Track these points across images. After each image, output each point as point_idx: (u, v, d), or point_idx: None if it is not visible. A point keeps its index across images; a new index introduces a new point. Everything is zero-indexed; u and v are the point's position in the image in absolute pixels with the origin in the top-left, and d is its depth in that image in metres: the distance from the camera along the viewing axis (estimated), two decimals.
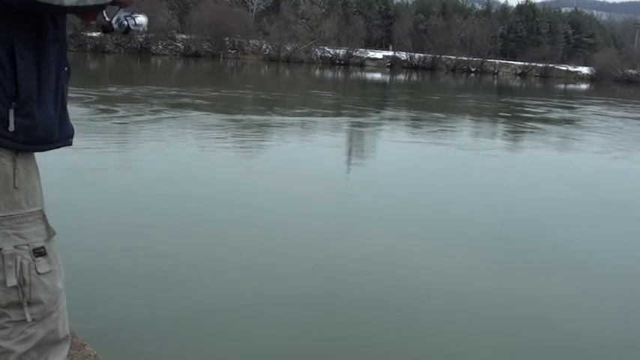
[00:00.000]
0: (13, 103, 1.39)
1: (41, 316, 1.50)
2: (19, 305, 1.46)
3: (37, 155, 1.53)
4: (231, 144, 12.01)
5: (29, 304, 1.47)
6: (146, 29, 1.63)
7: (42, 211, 1.51)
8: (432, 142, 14.63)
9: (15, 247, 1.44)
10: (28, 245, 1.46)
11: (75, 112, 12.89)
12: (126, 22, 1.57)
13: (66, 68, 1.57)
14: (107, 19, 1.57)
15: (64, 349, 1.60)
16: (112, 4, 1.50)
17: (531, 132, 18.29)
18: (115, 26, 1.57)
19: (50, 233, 1.53)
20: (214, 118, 15.20)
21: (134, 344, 4.01)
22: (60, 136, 1.54)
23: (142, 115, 14.72)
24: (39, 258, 1.48)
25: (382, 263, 5.81)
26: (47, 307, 1.51)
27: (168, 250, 5.65)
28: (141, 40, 45.99)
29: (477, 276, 5.70)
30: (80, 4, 1.38)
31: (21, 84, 1.40)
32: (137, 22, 1.58)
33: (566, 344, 4.52)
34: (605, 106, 31.10)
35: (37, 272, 1.48)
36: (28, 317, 1.47)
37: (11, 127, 1.39)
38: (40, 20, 1.44)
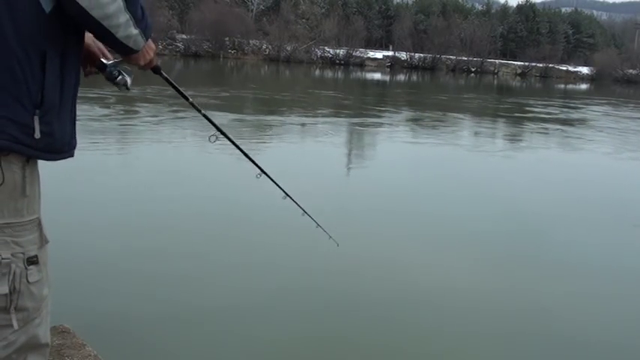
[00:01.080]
0: (37, 111, 1.41)
1: (24, 323, 1.51)
2: (4, 311, 1.47)
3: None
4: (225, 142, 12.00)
5: (15, 310, 1.48)
6: (127, 89, 1.80)
7: (39, 218, 1.53)
8: (440, 143, 14.60)
9: (12, 254, 1.45)
10: (23, 253, 1.47)
11: (98, 112, 12.88)
12: (117, 73, 1.72)
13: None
14: (104, 60, 1.72)
15: (44, 354, 1.61)
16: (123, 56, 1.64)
17: (541, 133, 18.18)
18: (108, 70, 1.71)
19: (43, 242, 1.54)
20: (223, 119, 15.09)
21: (134, 344, 4.01)
22: (69, 147, 1.56)
23: (159, 115, 14.69)
24: (31, 266, 1.49)
25: (384, 263, 5.81)
26: (31, 314, 1.52)
27: (169, 250, 5.65)
28: None
29: (479, 276, 5.70)
30: (129, 42, 1.50)
31: (46, 92, 1.42)
32: (125, 81, 1.75)
33: (567, 344, 4.52)
34: (610, 106, 31.09)
35: (27, 281, 1.49)
36: (15, 324, 1.48)
37: (37, 135, 1.41)
38: (66, 31, 1.46)
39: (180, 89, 1.97)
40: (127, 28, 1.46)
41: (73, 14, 1.39)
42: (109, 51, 1.69)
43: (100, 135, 11.14)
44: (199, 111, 2.07)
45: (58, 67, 1.44)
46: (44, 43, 1.40)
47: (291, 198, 2.67)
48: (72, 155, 1.58)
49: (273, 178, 2.50)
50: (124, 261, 5.30)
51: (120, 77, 1.73)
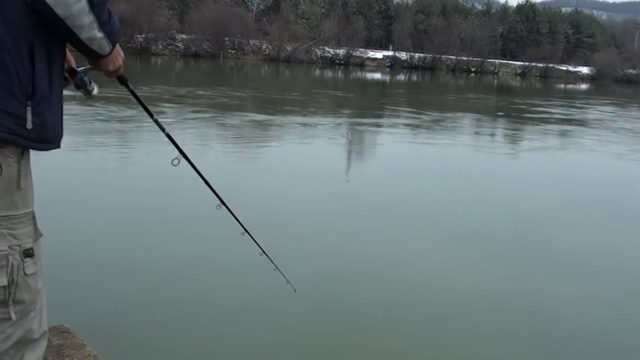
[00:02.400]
0: (29, 102, 1.42)
1: (21, 316, 1.52)
2: (3, 303, 1.48)
3: (33, 154, 1.55)
4: (234, 143, 12.01)
5: (13, 302, 1.49)
6: (91, 96, 1.81)
7: (33, 212, 1.54)
8: (451, 143, 14.54)
9: (9, 247, 1.46)
10: (19, 246, 1.49)
11: (123, 113, 12.89)
12: (86, 80, 1.73)
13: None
14: (75, 67, 1.72)
15: (40, 348, 1.62)
16: (93, 60, 1.63)
17: (550, 133, 18.10)
18: (78, 76, 1.72)
19: (38, 235, 1.55)
20: (238, 119, 15.07)
21: (134, 344, 4.00)
22: (58, 137, 1.58)
23: (174, 116, 14.66)
24: (27, 259, 1.50)
25: (384, 263, 5.81)
26: (27, 307, 1.53)
27: (169, 251, 5.64)
28: (141, 40, 45.99)
29: (480, 276, 5.69)
30: (93, 45, 1.50)
31: (37, 83, 1.43)
32: (91, 89, 1.76)
33: (567, 344, 4.52)
34: (615, 106, 31.07)
35: (24, 273, 1.50)
36: (13, 316, 1.49)
37: (29, 125, 1.43)
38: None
39: (146, 105, 1.93)
40: (90, 30, 1.45)
41: (39, 9, 1.39)
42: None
43: (102, 135, 11.14)
44: (163, 130, 2.05)
45: (45, 57, 1.45)
46: (30, 34, 1.40)
47: (250, 235, 2.67)
48: (59, 146, 1.59)
49: (235, 214, 2.46)
50: (124, 261, 5.30)
51: (90, 85, 1.74)
